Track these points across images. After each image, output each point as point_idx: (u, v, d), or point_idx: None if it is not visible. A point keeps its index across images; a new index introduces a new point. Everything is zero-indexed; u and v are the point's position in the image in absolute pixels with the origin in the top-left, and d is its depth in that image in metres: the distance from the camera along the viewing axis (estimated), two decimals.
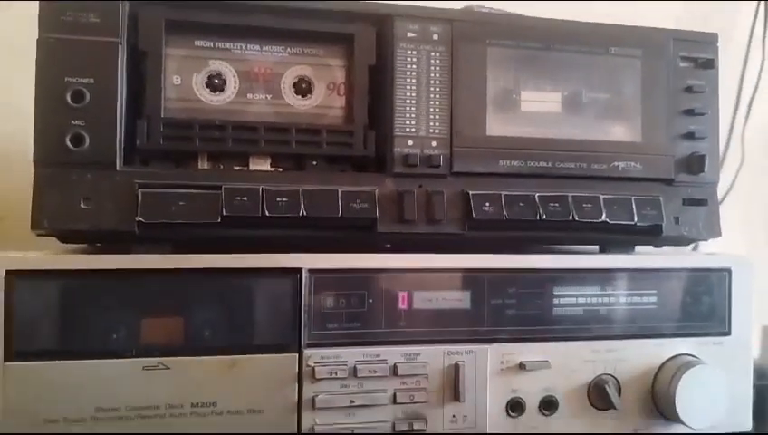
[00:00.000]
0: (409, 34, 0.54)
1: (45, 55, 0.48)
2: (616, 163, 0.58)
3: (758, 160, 1.04)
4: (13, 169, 0.84)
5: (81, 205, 0.48)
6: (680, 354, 0.57)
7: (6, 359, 0.46)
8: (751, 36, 1.01)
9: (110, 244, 0.54)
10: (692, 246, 0.83)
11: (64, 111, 0.48)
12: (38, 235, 0.49)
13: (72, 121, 0.48)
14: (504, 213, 0.55)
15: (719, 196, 0.62)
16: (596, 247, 0.63)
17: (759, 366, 0.68)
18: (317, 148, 0.54)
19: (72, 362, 0.47)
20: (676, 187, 0.60)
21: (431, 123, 0.55)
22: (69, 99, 0.48)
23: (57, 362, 0.47)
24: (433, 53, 0.55)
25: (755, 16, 1.01)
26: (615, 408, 0.55)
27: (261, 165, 0.54)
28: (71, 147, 0.48)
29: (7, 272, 0.46)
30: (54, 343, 0.47)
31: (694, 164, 0.60)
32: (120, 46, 0.49)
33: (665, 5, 0.96)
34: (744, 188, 1.00)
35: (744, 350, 0.59)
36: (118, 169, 0.49)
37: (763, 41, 1.01)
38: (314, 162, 0.55)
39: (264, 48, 0.54)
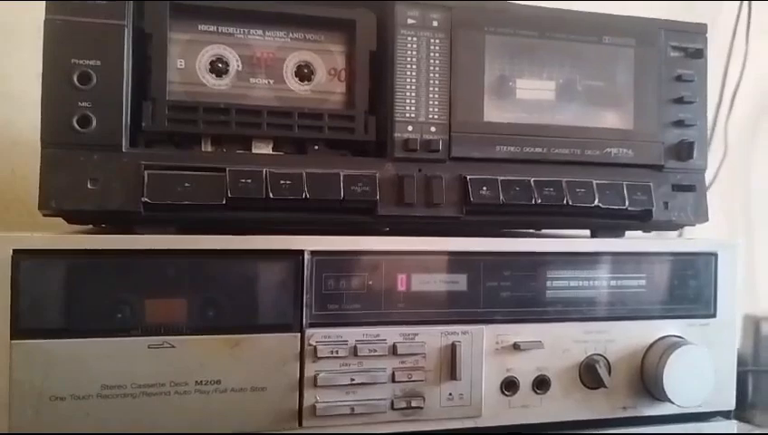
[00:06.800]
0: (410, 21, 0.55)
1: (52, 37, 0.48)
2: (608, 150, 0.59)
3: (739, 153, 1.07)
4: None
5: (88, 185, 0.48)
6: (668, 335, 0.58)
7: (13, 337, 0.46)
8: (734, 31, 1.03)
9: (116, 225, 0.54)
10: (677, 232, 0.86)
11: (71, 92, 0.48)
12: (44, 215, 0.49)
13: (79, 103, 0.48)
14: (501, 197, 0.55)
15: None
16: (587, 232, 0.64)
17: (740, 353, 0.68)
18: (318, 132, 0.54)
19: (77, 340, 0.47)
20: (665, 173, 0.61)
21: (430, 109, 0.55)
22: (76, 80, 0.48)
23: (63, 340, 0.47)
24: (432, 40, 0.55)
25: (738, 12, 1.03)
26: (605, 386, 0.56)
27: (263, 149, 0.54)
28: (78, 128, 0.48)
29: (14, 251, 0.46)
30: (61, 321, 0.47)
31: (683, 151, 0.61)
32: (126, 29, 0.49)
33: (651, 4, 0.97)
34: (725, 178, 1.03)
35: (729, 331, 0.61)
36: (124, 150, 0.49)
37: (747, 35, 1.03)
38: (315, 146, 0.55)
39: (266, 33, 0.54)
